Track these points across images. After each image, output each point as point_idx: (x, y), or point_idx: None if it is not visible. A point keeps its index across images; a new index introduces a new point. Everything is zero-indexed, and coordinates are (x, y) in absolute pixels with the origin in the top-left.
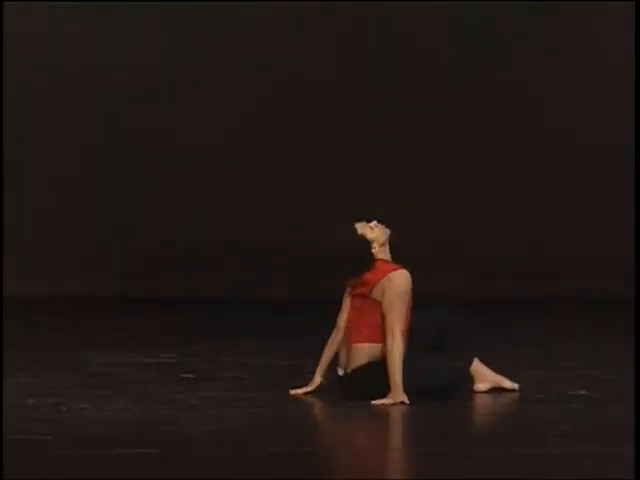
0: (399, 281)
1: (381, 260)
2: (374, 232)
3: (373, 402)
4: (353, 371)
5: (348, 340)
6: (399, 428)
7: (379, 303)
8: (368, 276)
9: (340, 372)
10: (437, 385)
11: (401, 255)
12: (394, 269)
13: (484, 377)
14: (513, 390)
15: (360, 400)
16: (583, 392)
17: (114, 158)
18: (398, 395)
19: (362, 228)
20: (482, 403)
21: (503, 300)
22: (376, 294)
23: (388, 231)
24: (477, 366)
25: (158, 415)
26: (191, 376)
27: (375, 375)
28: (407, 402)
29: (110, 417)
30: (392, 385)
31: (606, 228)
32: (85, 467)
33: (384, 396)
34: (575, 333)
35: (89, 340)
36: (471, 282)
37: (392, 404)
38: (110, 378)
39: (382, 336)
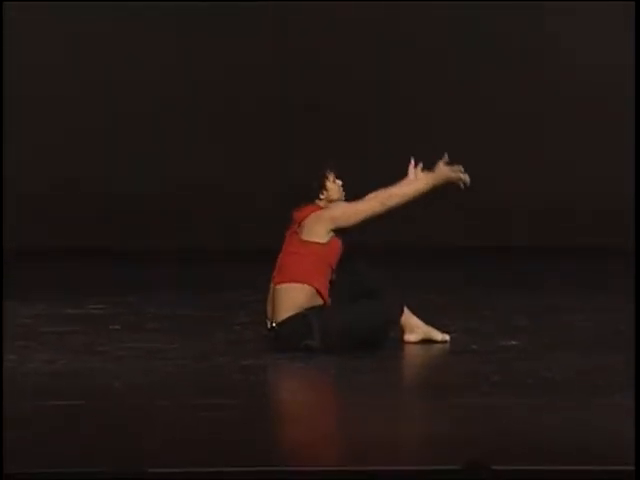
0: (333, 207)
1: (316, 205)
2: (332, 185)
3: None
4: (279, 325)
5: (272, 283)
6: (329, 379)
7: (306, 243)
8: (296, 213)
9: (268, 324)
10: (371, 327)
11: None
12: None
13: (414, 328)
14: (444, 341)
15: (290, 351)
16: (513, 342)
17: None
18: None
19: (328, 173)
20: (412, 354)
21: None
22: (303, 231)
23: (342, 194)
24: (407, 316)
25: (84, 367)
26: (117, 327)
27: (302, 326)
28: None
29: (36, 369)
30: (422, 184)
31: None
32: (11, 419)
33: (311, 348)
34: (524, 284)
35: (18, 292)
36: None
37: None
38: (36, 330)
39: (306, 276)
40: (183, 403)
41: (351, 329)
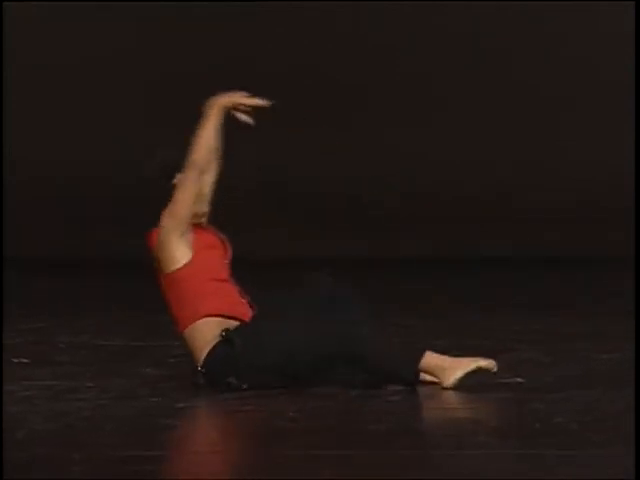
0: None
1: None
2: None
3: None
4: (203, 367)
5: None
6: (286, 425)
7: (170, 276)
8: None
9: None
10: (315, 354)
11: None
12: None
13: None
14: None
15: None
16: (518, 379)
17: None
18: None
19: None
20: (389, 393)
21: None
22: (159, 264)
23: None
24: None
25: None
26: (23, 361)
27: (226, 357)
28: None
29: None
30: (212, 117)
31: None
32: None
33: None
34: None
35: None
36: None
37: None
38: None
39: (194, 311)
40: (103, 455)
41: (288, 354)
